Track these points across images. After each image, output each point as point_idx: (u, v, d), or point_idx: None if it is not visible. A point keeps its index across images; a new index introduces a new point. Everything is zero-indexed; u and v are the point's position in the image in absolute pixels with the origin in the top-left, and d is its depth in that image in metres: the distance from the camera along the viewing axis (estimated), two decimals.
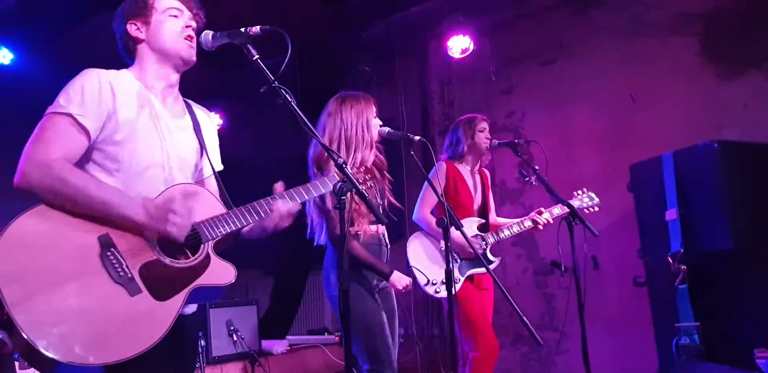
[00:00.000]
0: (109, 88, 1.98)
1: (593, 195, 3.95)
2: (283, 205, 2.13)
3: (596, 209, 3.92)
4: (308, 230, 3.15)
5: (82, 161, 1.98)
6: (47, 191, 1.83)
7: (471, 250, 3.19)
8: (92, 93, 1.95)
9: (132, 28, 2.14)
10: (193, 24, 2.16)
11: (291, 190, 2.19)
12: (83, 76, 1.99)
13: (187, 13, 2.17)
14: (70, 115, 1.91)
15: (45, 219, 1.81)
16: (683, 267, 3.76)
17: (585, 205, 3.90)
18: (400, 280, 3.07)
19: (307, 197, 2.20)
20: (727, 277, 3.89)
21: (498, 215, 4.16)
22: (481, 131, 3.99)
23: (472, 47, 5.58)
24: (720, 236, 3.80)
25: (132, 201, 1.90)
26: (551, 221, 3.80)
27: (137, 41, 2.15)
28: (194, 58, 2.16)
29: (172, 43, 2.11)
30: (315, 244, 3.15)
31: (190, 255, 1.98)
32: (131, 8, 2.15)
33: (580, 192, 3.95)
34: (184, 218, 1.92)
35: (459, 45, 5.59)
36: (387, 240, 3.19)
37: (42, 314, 1.70)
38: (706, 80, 4.87)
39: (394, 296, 3.20)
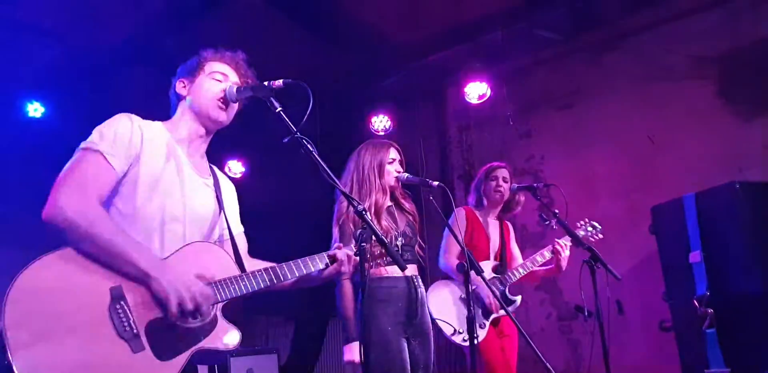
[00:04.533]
0: (139, 134, 2.06)
1: (596, 224, 3.94)
2: (341, 253, 2.28)
3: (600, 236, 3.90)
4: None
5: (105, 204, 1.99)
6: (74, 228, 1.82)
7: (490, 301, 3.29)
8: (123, 135, 2.03)
9: (179, 86, 2.30)
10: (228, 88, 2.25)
11: (287, 263, 2.19)
12: (117, 119, 2.08)
13: (233, 80, 2.28)
14: (101, 153, 1.96)
15: (60, 265, 1.80)
16: (710, 311, 3.69)
17: (590, 233, 3.89)
18: (347, 353, 2.95)
19: (298, 274, 2.18)
20: (757, 320, 3.80)
21: None
22: (492, 180, 4.01)
23: (489, 93, 5.65)
24: (747, 277, 3.74)
25: (151, 256, 1.91)
26: (565, 245, 3.78)
27: (180, 97, 2.29)
28: (224, 120, 2.25)
29: (205, 104, 2.22)
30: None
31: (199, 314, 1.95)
32: (185, 67, 2.32)
33: (583, 222, 3.94)
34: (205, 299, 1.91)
35: (476, 91, 5.66)
36: (417, 282, 3.16)
37: (42, 362, 1.67)
38: (724, 122, 4.88)
39: (431, 345, 3.15)
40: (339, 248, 2.31)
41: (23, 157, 5.34)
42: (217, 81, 2.26)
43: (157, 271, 1.86)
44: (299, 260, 2.21)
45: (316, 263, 2.24)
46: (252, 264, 2.23)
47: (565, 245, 3.78)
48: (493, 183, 4.00)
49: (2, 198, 5.42)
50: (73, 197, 1.87)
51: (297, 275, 2.18)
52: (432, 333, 3.20)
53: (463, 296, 3.64)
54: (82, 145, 2.00)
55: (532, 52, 5.85)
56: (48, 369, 1.68)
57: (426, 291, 3.26)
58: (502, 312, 3.67)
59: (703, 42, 5.00)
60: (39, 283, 1.75)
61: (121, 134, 2.03)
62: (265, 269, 2.12)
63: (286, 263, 2.18)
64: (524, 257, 4.25)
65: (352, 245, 2.31)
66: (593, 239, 3.84)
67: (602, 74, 5.53)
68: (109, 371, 1.75)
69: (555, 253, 3.77)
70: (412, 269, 3.14)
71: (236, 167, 6.87)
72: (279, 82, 2.11)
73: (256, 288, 2.06)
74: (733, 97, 4.88)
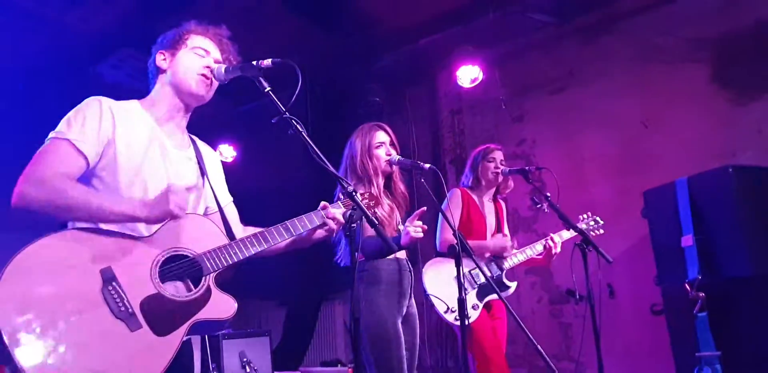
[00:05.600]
0: (110, 116, 2.03)
1: (598, 219, 3.97)
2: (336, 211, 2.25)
3: (601, 231, 3.93)
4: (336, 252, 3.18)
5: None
6: (45, 204, 1.85)
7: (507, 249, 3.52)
8: (92, 120, 2.00)
9: (159, 58, 2.24)
10: (215, 66, 2.21)
11: (276, 227, 2.19)
12: (86, 104, 2.05)
13: (215, 56, 2.25)
14: (68, 140, 1.95)
15: (50, 250, 1.81)
16: (701, 294, 3.70)
17: (590, 227, 3.92)
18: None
19: (288, 236, 2.19)
20: (748, 303, 3.81)
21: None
22: (490, 161, 4.02)
23: (481, 77, 5.59)
24: (738, 262, 3.74)
25: (129, 200, 1.95)
26: (558, 242, 3.82)
27: (160, 71, 2.24)
28: (205, 95, 2.22)
29: (185, 78, 2.18)
30: (342, 265, 3.16)
31: (192, 287, 1.98)
32: (167, 39, 2.26)
33: (585, 216, 3.97)
34: (180, 197, 1.94)
35: (468, 75, 5.60)
36: (409, 265, 3.18)
37: (41, 349, 1.68)
38: (718, 105, 4.86)
39: (417, 327, 3.17)
40: (325, 207, 2.28)
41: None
42: (199, 56, 2.22)
43: (141, 210, 1.90)
44: (288, 222, 2.21)
45: (305, 224, 2.24)
46: (245, 232, 2.24)
47: (558, 242, 3.80)
48: (492, 164, 4.00)
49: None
50: (34, 180, 1.88)
51: (287, 237, 2.18)
52: (417, 317, 3.21)
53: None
54: (50, 134, 1.98)
55: (524, 36, 5.80)
56: (46, 355, 1.68)
57: (422, 268, 3.27)
58: (494, 295, 3.68)
59: (699, 24, 4.96)
60: (30, 271, 1.76)
61: (90, 119, 2.00)
62: (254, 235, 2.12)
63: (275, 227, 2.18)
64: (516, 242, 4.25)
65: (340, 203, 2.29)
66: (593, 234, 3.84)
67: (596, 57, 5.49)
68: (109, 351, 1.76)
69: (546, 249, 3.80)
70: (402, 252, 3.15)
71: (227, 152, 6.82)
72: (267, 62, 2.08)
73: (247, 255, 2.07)
74: (728, 81, 4.86)
